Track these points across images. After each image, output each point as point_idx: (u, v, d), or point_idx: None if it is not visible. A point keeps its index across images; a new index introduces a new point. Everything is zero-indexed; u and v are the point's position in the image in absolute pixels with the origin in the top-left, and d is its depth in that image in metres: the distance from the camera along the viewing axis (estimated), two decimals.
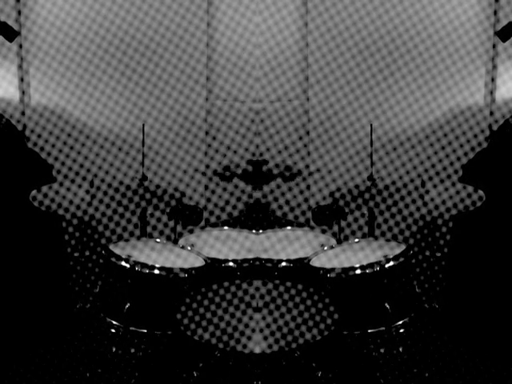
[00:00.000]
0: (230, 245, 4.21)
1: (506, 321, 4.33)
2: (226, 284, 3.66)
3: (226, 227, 4.44)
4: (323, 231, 4.50)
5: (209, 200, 5.03)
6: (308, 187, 5.05)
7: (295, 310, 3.44)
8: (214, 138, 5.02)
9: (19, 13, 4.79)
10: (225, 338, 3.21)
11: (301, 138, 5.02)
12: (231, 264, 3.90)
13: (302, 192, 5.05)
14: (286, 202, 5.04)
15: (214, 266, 3.88)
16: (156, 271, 3.68)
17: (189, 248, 4.03)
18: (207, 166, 5.04)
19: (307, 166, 5.04)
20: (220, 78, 4.93)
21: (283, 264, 3.91)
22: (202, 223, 4.73)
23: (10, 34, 4.22)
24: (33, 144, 4.90)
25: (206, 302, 3.50)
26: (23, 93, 4.90)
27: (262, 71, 4.91)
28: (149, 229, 4.74)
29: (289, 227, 4.44)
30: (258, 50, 4.89)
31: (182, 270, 3.71)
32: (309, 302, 3.51)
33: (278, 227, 4.45)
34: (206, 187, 5.06)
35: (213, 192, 5.03)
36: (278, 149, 5.02)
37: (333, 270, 3.70)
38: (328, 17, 4.87)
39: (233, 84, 4.91)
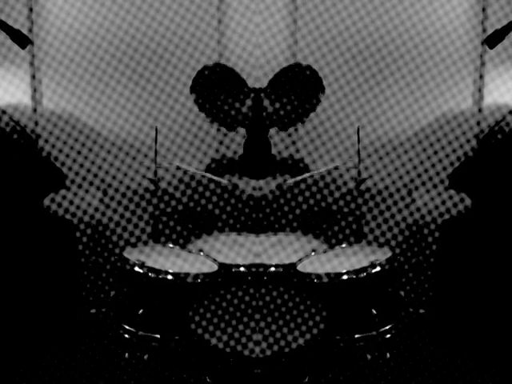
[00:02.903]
0: (237, 250, 4.24)
1: (492, 325, 4.37)
2: (236, 289, 3.69)
3: (234, 232, 4.48)
4: (311, 235, 4.52)
5: (213, 204, 5.04)
6: (299, 193, 5.07)
7: (283, 315, 3.47)
8: (222, 143, 5.02)
9: (31, 20, 4.80)
10: (236, 341, 3.25)
11: (294, 143, 5.03)
12: (242, 269, 3.92)
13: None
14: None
15: (225, 271, 3.91)
16: (169, 277, 3.71)
17: (201, 253, 4.05)
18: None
19: (299, 170, 5.05)
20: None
21: (272, 269, 3.93)
22: (211, 228, 4.74)
23: (23, 41, 4.24)
24: (45, 150, 4.91)
25: (217, 306, 3.53)
26: (35, 99, 4.90)
27: (259, 74, 4.91)
28: (160, 233, 4.76)
29: (279, 232, 4.47)
30: (252, 56, 4.89)
31: (194, 275, 3.74)
32: (296, 307, 3.54)
33: (268, 231, 4.48)
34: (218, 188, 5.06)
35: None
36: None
37: (320, 275, 3.73)
38: (319, 21, 4.87)
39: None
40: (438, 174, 4.95)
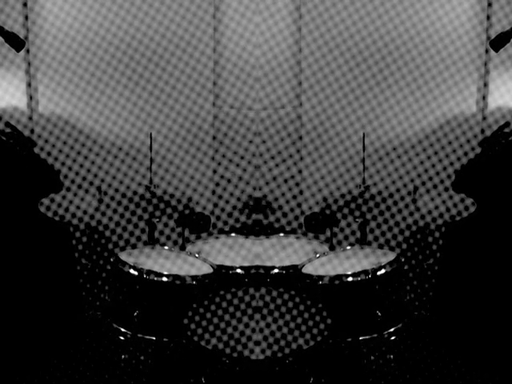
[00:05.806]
0: (236, 251, 4.23)
1: (496, 328, 4.35)
2: (233, 290, 3.68)
3: (233, 234, 4.48)
4: (315, 237, 4.51)
5: (216, 205, 5.04)
6: (300, 192, 5.07)
7: (287, 317, 3.46)
8: (221, 143, 5.02)
9: (26, 18, 4.81)
10: (233, 344, 3.23)
11: (298, 152, 5.04)
12: (239, 271, 3.91)
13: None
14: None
15: (221, 273, 3.90)
16: (164, 278, 3.70)
17: (196, 255, 4.04)
18: (214, 172, 5.04)
19: (300, 171, 5.06)
20: (227, 83, 4.94)
21: (275, 271, 3.92)
22: (210, 229, 4.73)
23: (18, 44, 4.25)
24: (40, 150, 4.91)
25: (214, 309, 3.52)
26: (31, 99, 4.91)
27: (256, 76, 4.92)
28: (156, 235, 4.76)
29: (281, 234, 4.47)
30: (252, 57, 4.90)
31: (190, 276, 3.73)
32: (301, 309, 3.53)
33: (271, 233, 4.48)
34: (214, 192, 5.06)
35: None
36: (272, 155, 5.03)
37: (324, 276, 3.72)
38: (321, 22, 4.88)
39: (240, 90, 4.91)
40: (442, 180, 4.95)
